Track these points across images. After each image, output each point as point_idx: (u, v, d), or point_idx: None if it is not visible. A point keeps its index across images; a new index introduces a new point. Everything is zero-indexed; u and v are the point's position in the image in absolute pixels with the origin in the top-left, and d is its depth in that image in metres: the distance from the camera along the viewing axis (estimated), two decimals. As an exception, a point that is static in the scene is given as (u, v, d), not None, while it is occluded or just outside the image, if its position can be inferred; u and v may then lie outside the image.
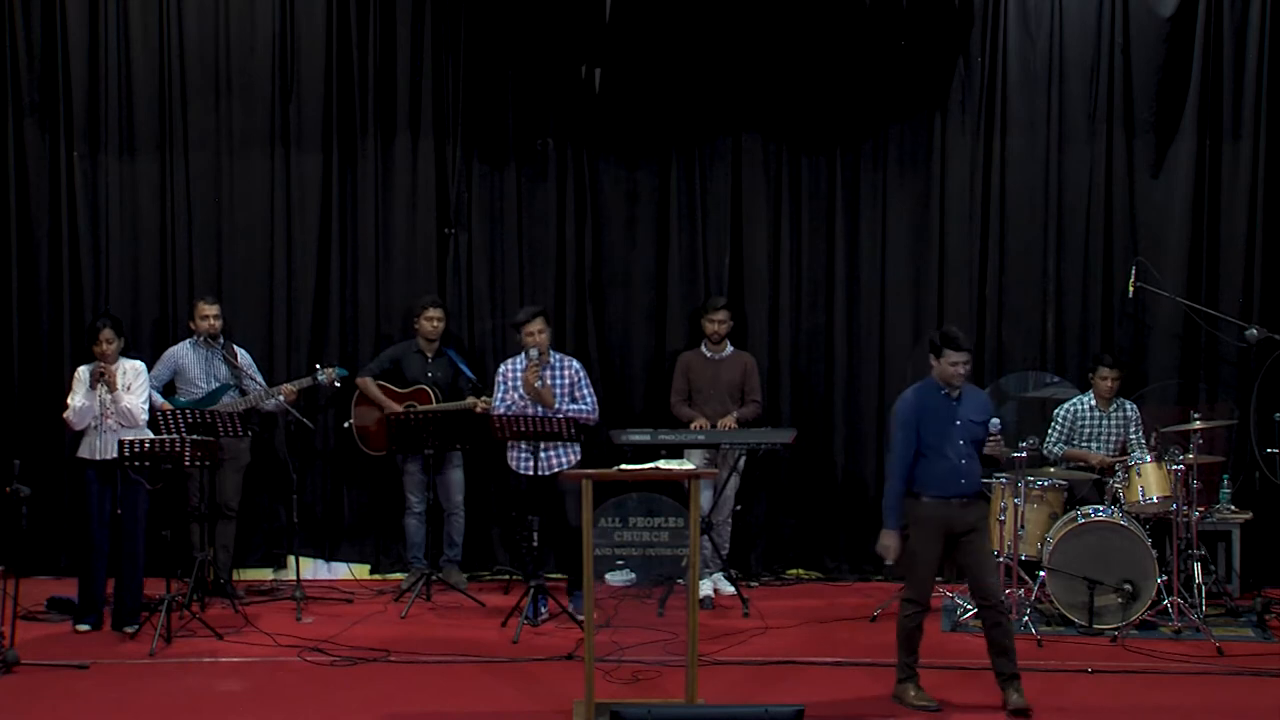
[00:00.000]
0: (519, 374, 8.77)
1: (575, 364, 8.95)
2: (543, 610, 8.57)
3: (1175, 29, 9.71)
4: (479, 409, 9.16)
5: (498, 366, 9.71)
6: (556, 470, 8.65)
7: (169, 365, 9.26)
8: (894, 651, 7.94)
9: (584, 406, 8.81)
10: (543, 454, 8.70)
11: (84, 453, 8.33)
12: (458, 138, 9.98)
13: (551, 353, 8.88)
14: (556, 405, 8.71)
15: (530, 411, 8.65)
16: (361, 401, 9.54)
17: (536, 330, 8.72)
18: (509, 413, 8.67)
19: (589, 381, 8.94)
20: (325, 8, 9.88)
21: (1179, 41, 9.72)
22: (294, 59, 9.91)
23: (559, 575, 9.42)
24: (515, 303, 10.00)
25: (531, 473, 8.62)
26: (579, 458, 8.83)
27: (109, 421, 8.26)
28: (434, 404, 9.33)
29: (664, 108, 9.96)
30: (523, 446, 8.71)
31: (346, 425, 9.61)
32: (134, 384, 8.39)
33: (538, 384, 8.64)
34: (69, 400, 8.32)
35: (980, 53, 9.87)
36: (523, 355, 8.78)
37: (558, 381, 8.79)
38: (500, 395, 8.81)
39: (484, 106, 9.98)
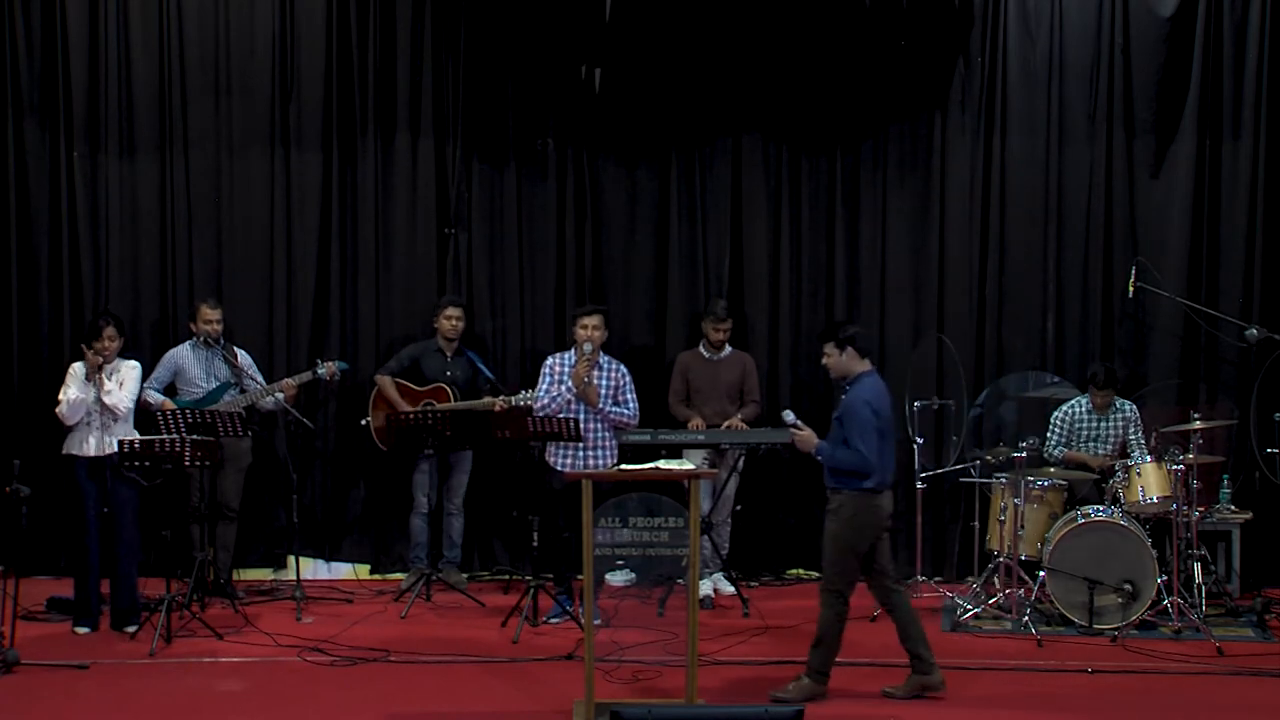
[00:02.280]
0: (568, 369, 8.76)
1: (623, 368, 8.94)
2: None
3: (1175, 29, 9.71)
4: (498, 408, 9.14)
5: (496, 367, 9.72)
6: (594, 470, 8.64)
7: (169, 366, 9.25)
8: (894, 651, 7.95)
9: (625, 410, 8.82)
10: (581, 453, 8.70)
11: (72, 449, 8.30)
12: (458, 138, 9.98)
13: (601, 354, 8.87)
14: (600, 405, 8.72)
15: (574, 407, 8.65)
16: (379, 400, 9.53)
17: (592, 325, 8.71)
18: (553, 406, 8.66)
19: (634, 387, 8.93)
20: (325, 8, 9.88)
21: (1179, 41, 9.72)
22: (294, 59, 9.91)
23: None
24: (515, 303, 10.01)
25: (570, 469, 8.61)
26: (616, 458, 8.82)
27: (101, 418, 8.25)
28: (452, 402, 9.33)
29: (664, 108, 9.96)
30: (564, 445, 8.69)
31: (364, 423, 9.59)
32: (126, 380, 8.37)
33: (586, 380, 8.64)
34: (61, 395, 8.30)
35: (980, 53, 9.87)
36: (572, 350, 8.77)
37: (604, 383, 8.79)
38: (544, 387, 8.77)
39: (484, 106, 9.99)
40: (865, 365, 7.15)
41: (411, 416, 8.94)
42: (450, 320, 9.50)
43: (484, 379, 9.46)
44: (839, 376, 7.20)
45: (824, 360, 7.22)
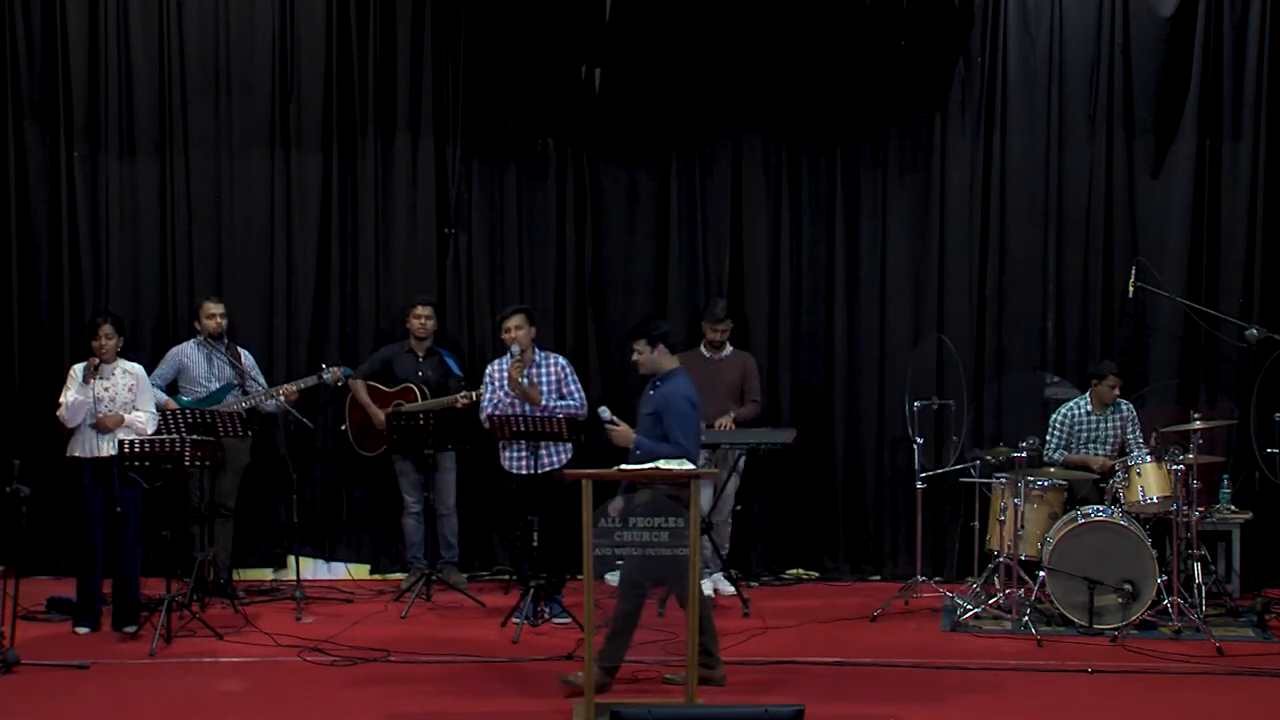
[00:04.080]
0: (505, 373, 8.77)
1: (561, 360, 8.95)
2: (542, 610, 8.57)
3: (1175, 29, 9.71)
4: (460, 404, 9.16)
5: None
6: (550, 469, 8.66)
7: (173, 364, 9.27)
8: (893, 651, 7.95)
9: (572, 402, 8.81)
10: (536, 453, 8.69)
11: (77, 451, 8.31)
12: (458, 138, 9.98)
13: (537, 350, 8.88)
14: (544, 402, 8.71)
15: (518, 410, 8.64)
16: (353, 404, 9.55)
17: (514, 327, 8.74)
18: (497, 412, 8.66)
19: (576, 377, 8.93)
20: (325, 8, 9.89)
21: (1179, 41, 9.71)
22: (294, 59, 9.92)
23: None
24: (515, 303, 9.99)
25: (526, 472, 8.61)
26: (571, 456, 8.83)
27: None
28: (419, 402, 9.34)
29: (664, 108, 9.96)
30: (516, 446, 8.71)
31: (343, 428, 9.63)
32: (140, 395, 8.40)
33: (522, 381, 8.64)
34: (62, 398, 8.32)
35: (980, 53, 9.86)
36: (507, 354, 8.79)
37: (544, 379, 8.79)
38: (488, 395, 8.82)
39: (484, 106, 9.99)
40: (674, 362, 7.31)
41: (391, 419, 8.97)
42: (420, 319, 9.51)
43: (455, 379, 9.47)
44: (649, 373, 7.34)
45: (634, 357, 7.36)
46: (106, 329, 8.31)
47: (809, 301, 10.08)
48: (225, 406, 8.97)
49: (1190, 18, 9.68)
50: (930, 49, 9.83)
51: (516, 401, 8.70)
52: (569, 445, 8.83)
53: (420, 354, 9.55)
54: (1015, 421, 9.66)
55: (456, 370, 9.49)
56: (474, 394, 9.14)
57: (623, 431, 7.30)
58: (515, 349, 8.67)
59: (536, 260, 10.09)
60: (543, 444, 8.71)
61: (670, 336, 7.36)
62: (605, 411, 7.41)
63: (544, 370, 8.84)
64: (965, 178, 9.93)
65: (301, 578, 9.20)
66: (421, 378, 9.48)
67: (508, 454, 8.82)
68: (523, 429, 8.54)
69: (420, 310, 9.53)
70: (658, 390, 7.25)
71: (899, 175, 9.99)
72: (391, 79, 9.94)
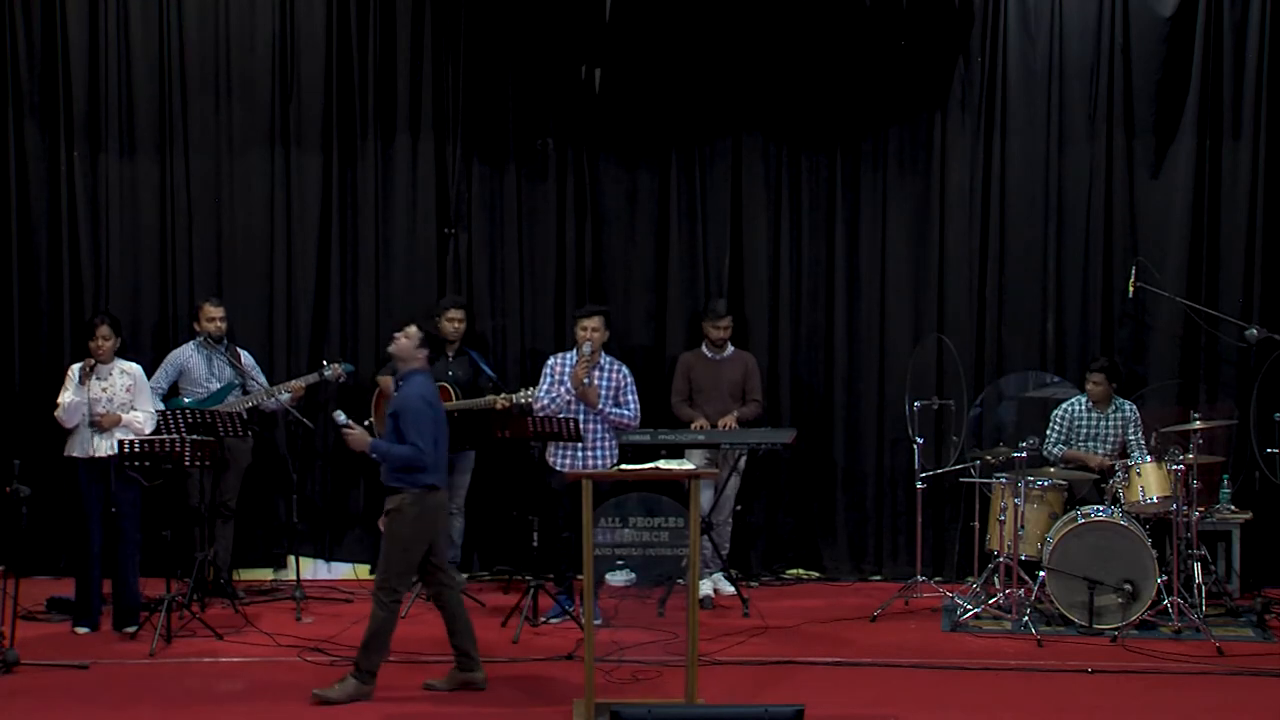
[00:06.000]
0: (569, 369, 8.76)
1: (624, 369, 8.94)
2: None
3: (1175, 29, 9.71)
4: (499, 406, 9.13)
5: (496, 367, 9.70)
6: (593, 470, 8.64)
7: (174, 367, 9.25)
8: (893, 651, 7.95)
9: (626, 412, 8.82)
10: (580, 453, 8.70)
11: (73, 451, 8.32)
12: (458, 138, 9.98)
13: (602, 354, 8.88)
14: (600, 406, 8.72)
15: (574, 408, 8.65)
16: (381, 401, 9.53)
17: (592, 327, 8.73)
18: (553, 405, 8.66)
19: (635, 388, 8.92)
20: (325, 8, 9.89)
21: (1179, 41, 9.71)
22: (294, 59, 9.91)
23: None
24: (515, 302, 10.02)
25: (569, 469, 8.61)
26: (616, 459, 8.83)
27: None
28: (454, 401, 9.33)
29: (664, 108, 9.96)
30: (563, 444, 8.71)
31: (366, 424, 9.60)
32: (139, 395, 8.41)
33: (586, 381, 8.64)
34: (60, 398, 8.33)
35: (980, 53, 9.86)
36: (574, 351, 8.78)
37: (604, 384, 8.79)
38: (545, 387, 8.78)
39: (484, 106, 9.99)
40: (420, 362, 7.35)
41: None
42: (452, 322, 9.49)
43: (485, 378, 9.45)
44: (401, 360, 7.36)
45: (391, 349, 7.43)
46: (104, 329, 8.32)
47: (809, 301, 10.08)
48: (226, 406, 8.97)
49: (1190, 18, 9.68)
50: (930, 49, 9.83)
51: (573, 401, 8.70)
52: (614, 447, 8.83)
53: (450, 354, 9.54)
54: (1015, 421, 9.68)
55: (487, 370, 9.47)
56: (512, 396, 9.10)
57: (358, 435, 7.37)
58: (586, 348, 8.66)
59: (536, 260, 10.09)
60: (585, 445, 8.69)
61: (429, 345, 7.47)
62: (340, 415, 7.49)
63: (607, 375, 8.83)
64: (965, 178, 9.93)
65: (302, 578, 9.20)
66: (452, 378, 9.45)
67: (554, 449, 8.81)
68: (529, 429, 8.54)
69: (452, 313, 9.50)
70: (398, 391, 7.33)
71: (899, 175, 9.99)
72: (391, 79, 9.94)
